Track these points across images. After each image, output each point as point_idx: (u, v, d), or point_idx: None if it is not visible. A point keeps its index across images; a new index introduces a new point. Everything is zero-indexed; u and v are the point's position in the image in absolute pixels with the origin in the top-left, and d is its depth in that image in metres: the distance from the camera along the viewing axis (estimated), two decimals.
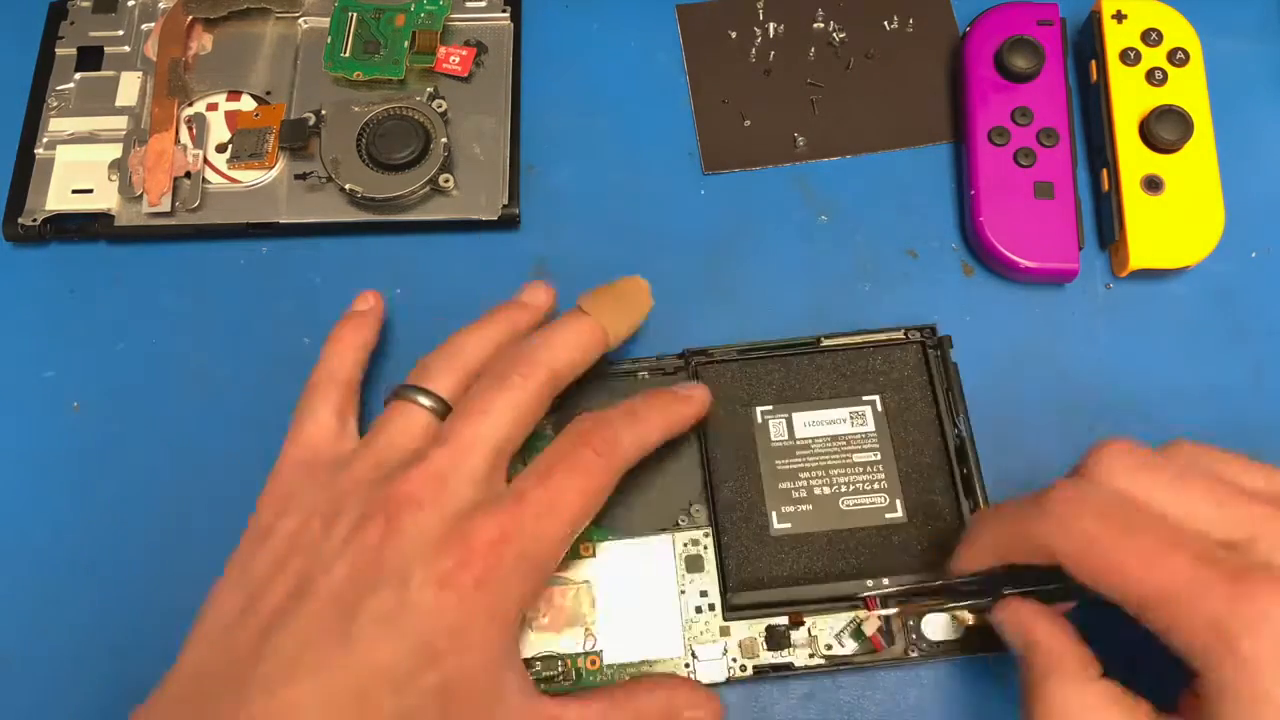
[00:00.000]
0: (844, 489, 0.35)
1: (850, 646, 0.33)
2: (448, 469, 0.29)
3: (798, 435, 0.35)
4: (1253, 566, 0.25)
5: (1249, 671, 0.24)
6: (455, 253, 0.40)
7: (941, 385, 0.36)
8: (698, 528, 0.35)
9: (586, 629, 0.33)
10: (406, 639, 0.27)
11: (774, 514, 0.34)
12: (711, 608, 0.34)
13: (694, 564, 0.34)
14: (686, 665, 0.33)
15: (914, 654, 0.33)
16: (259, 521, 0.31)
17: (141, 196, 0.39)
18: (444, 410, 0.32)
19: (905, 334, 0.37)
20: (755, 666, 0.33)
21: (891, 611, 0.33)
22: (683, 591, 0.34)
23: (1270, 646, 0.24)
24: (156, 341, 0.39)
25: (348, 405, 0.34)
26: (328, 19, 0.42)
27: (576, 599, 0.34)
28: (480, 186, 0.40)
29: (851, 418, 0.36)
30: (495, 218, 0.40)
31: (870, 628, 0.33)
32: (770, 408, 0.36)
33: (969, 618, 0.33)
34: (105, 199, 0.40)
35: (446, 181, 0.39)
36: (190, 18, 0.42)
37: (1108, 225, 0.39)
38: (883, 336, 0.37)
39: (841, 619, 0.33)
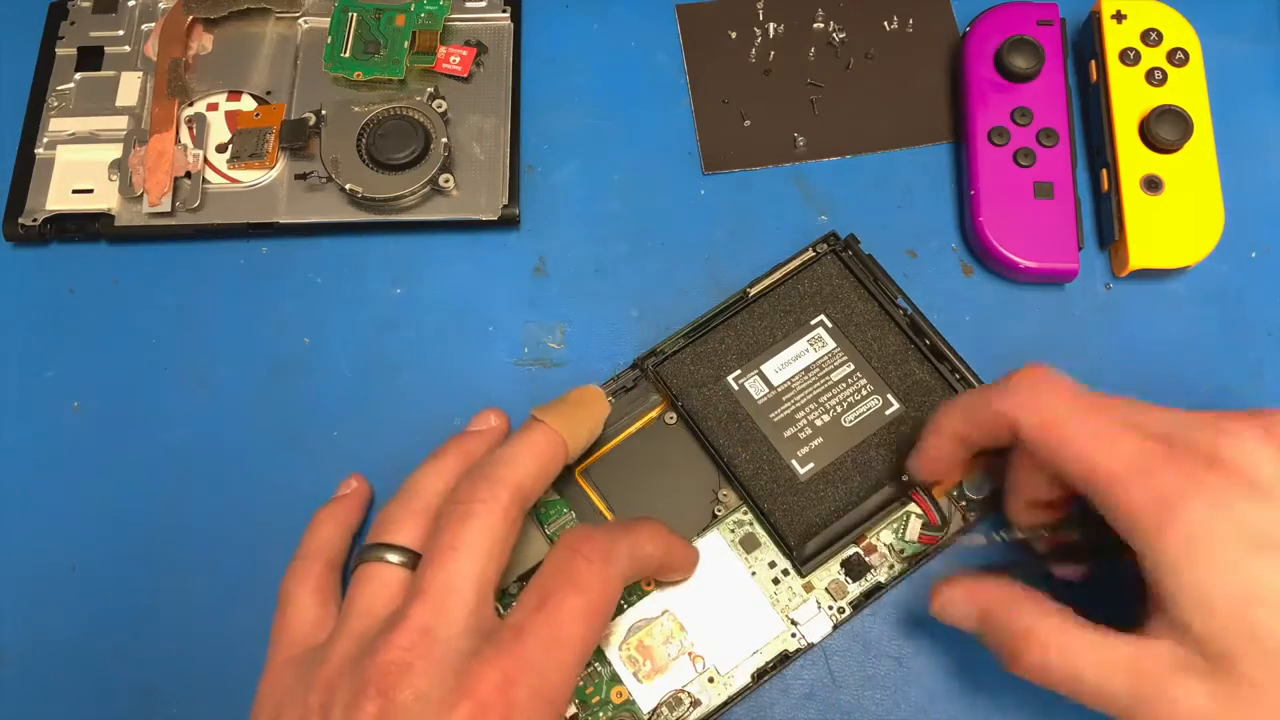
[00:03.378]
0: (840, 409, 0.36)
1: (916, 539, 0.35)
2: (431, 621, 0.27)
3: (775, 383, 0.36)
4: (1195, 449, 0.26)
5: (1184, 542, 0.25)
6: (455, 253, 0.40)
7: (868, 279, 0.38)
8: (735, 510, 0.35)
9: (690, 654, 0.33)
10: None
11: (794, 462, 0.35)
12: (785, 573, 0.35)
13: (749, 543, 0.35)
14: (793, 635, 0.34)
15: (971, 516, 0.35)
16: None
17: (142, 196, 0.39)
18: (414, 561, 0.30)
19: (814, 249, 0.38)
20: (850, 603, 0.34)
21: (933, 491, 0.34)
22: (754, 573, 0.35)
23: (1203, 517, 0.25)
24: (156, 341, 0.39)
25: (329, 585, 0.32)
26: (328, 19, 0.42)
27: (666, 632, 0.34)
28: (480, 186, 0.40)
29: (811, 344, 0.37)
30: (495, 218, 0.40)
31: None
32: (739, 371, 0.36)
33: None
34: (105, 199, 0.40)
35: (446, 181, 0.39)
36: (190, 18, 0.42)
37: (1108, 225, 0.39)
38: (797, 262, 0.38)
39: (897, 520, 0.35)
